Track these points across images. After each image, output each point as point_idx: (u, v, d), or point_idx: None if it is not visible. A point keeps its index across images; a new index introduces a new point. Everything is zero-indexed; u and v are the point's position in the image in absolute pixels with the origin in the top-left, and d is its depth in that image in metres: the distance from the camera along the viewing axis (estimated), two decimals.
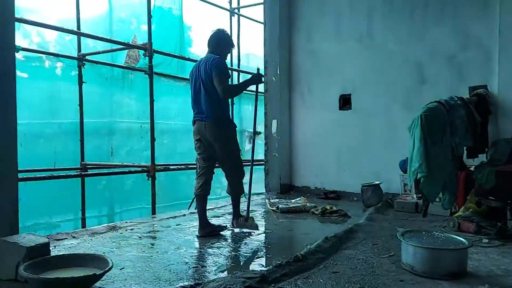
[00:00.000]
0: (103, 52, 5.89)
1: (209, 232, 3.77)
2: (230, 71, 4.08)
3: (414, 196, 4.92)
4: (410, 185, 4.90)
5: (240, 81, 8.17)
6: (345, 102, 6.26)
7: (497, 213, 3.70)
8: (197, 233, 3.80)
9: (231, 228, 4.05)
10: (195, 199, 3.92)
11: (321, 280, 2.54)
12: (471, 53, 5.08)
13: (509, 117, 4.68)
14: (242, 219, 3.97)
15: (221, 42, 3.92)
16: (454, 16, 5.20)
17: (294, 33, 6.78)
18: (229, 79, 3.84)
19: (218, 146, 3.74)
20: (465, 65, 5.12)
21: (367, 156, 5.95)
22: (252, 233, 3.94)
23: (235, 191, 3.96)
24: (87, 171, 5.63)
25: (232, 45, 4.16)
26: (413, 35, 5.54)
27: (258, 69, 4.06)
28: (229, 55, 4.21)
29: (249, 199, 4.09)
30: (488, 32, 4.91)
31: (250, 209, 4.09)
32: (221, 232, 3.88)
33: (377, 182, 5.39)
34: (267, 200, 5.64)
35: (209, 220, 3.95)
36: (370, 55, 5.94)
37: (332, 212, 4.78)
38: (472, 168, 4.17)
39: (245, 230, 3.97)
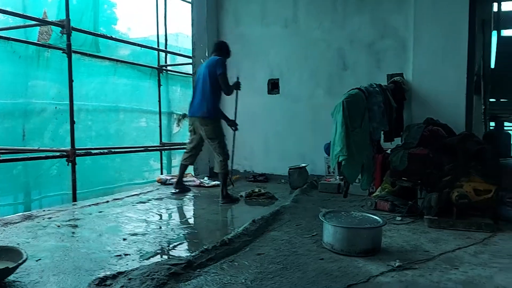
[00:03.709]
0: (16, 27, 5.40)
1: (181, 190, 5.03)
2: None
3: (337, 177, 5.17)
4: (333, 167, 5.14)
5: (168, 62, 7.99)
6: (273, 86, 6.36)
7: (409, 192, 4.00)
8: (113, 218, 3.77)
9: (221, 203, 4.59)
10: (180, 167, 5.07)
11: (246, 262, 2.59)
12: (388, 42, 5.38)
13: (421, 103, 5.05)
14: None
15: (223, 49, 4.82)
16: (373, 6, 5.46)
17: (222, 15, 6.71)
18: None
19: (204, 129, 4.65)
20: (383, 53, 5.43)
21: (294, 139, 6.12)
22: (179, 219, 3.99)
23: (221, 169, 4.68)
24: (0, 156, 5.19)
25: (229, 55, 4.93)
26: (335, 23, 5.74)
27: (238, 78, 5.03)
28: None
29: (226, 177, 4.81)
30: (405, 23, 5.23)
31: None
32: (147, 219, 3.84)
33: (303, 165, 5.58)
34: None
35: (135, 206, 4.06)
36: (296, 41, 6.06)
37: (260, 194, 4.87)
38: (388, 151, 4.46)
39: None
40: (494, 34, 6.81)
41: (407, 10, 5.16)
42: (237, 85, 4.96)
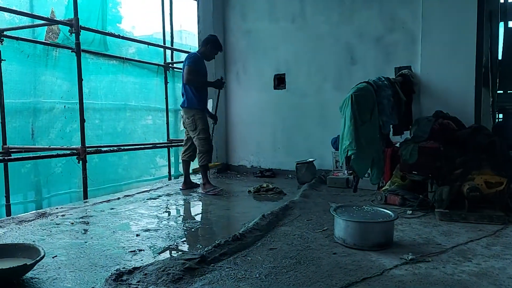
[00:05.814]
0: (24, 27, 5.42)
1: (189, 188, 5.16)
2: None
3: (345, 172, 5.17)
4: (341, 161, 5.13)
5: (174, 59, 7.99)
6: (279, 81, 6.35)
7: (419, 186, 4.00)
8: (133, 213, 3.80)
9: (201, 192, 4.91)
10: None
11: (259, 257, 2.61)
12: (397, 36, 5.35)
13: (430, 96, 5.03)
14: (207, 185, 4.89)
15: (206, 42, 4.95)
16: (381, 0, 5.42)
17: (228, 11, 6.70)
18: (196, 71, 4.74)
19: (185, 121, 4.89)
20: (391, 47, 5.40)
21: (301, 134, 6.13)
22: (190, 214, 4.05)
23: (200, 162, 4.88)
24: (11, 155, 5.23)
25: (219, 49, 5.05)
26: (343, 17, 5.71)
27: (222, 78, 5.12)
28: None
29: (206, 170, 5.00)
30: (413, 16, 5.19)
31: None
32: (158, 215, 3.87)
33: (310, 160, 5.58)
34: None
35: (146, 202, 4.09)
36: (303, 36, 6.05)
37: (268, 190, 4.89)
38: (397, 145, 4.45)
39: (210, 193, 4.80)
40: (501, 26, 6.77)
41: (416, 3, 5.11)
42: (217, 84, 5.01)
